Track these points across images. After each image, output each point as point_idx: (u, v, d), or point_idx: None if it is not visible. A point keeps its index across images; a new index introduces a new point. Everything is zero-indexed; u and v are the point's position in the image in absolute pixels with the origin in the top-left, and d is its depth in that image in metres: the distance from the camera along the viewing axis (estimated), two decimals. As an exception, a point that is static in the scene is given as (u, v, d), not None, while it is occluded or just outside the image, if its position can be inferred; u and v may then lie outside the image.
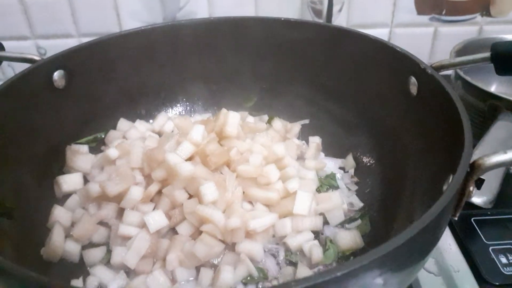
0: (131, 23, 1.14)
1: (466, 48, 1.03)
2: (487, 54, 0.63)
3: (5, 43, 0.83)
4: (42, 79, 0.72)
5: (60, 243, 0.64)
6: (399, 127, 0.71)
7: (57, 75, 0.74)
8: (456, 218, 0.50)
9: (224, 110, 0.77)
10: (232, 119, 0.74)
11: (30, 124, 0.70)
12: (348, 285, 0.38)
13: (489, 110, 0.87)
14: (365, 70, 0.76)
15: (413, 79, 0.67)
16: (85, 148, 0.79)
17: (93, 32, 1.14)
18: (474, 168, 0.47)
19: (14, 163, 0.66)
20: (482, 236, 0.75)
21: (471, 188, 0.48)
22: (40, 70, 0.71)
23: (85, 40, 1.11)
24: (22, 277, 0.38)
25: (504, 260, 0.70)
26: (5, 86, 0.65)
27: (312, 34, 0.83)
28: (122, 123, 0.85)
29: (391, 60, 0.71)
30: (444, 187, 0.50)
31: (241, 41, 0.87)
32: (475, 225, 0.77)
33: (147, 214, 0.63)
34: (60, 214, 0.68)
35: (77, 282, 0.61)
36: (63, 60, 0.75)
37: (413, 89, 0.67)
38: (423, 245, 0.46)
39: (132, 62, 0.83)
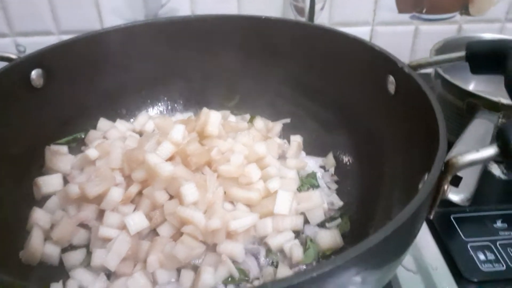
0: (112, 20, 1.13)
1: (445, 47, 1.04)
2: (462, 53, 0.64)
3: None
4: (19, 78, 0.71)
5: (39, 246, 0.64)
6: (377, 126, 0.72)
7: (34, 74, 0.72)
8: (431, 217, 0.51)
9: (205, 110, 0.77)
10: (214, 119, 0.73)
11: (7, 124, 0.69)
12: (326, 285, 0.38)
13: (467, 108, 0.88)
14: (345, 69, 0.77)
15: (391, 78, 0.67)
16: (64, 148, 0.78)
17: (74, 29, 1.13)
18: (448, 167, 0.48)
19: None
20: (461, 233, 0.76)
21: (445, 187, 0.49)
22: (17, 68, 0.70)
23: (66, 37, 1.10)
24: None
25: (482, 257, 0.72)
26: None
27: (293, 32, 0.83)
28: (102, 123, 0.84)
29: (370, 59, 0.72)
30: (420, 186, 0.51)
31: (222, 39, 0.87)
32: (454, 223, 0.78)
33: (127, 216, 0.63)
34: (39, 216, 0.67)
35: (56, 285, 0.61)
36: (40, 58, 0.73)
37: (391, 88, 0.68)
38: (399, 243, 0.47)
39: (112, 60, 0.82)
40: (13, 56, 0.71)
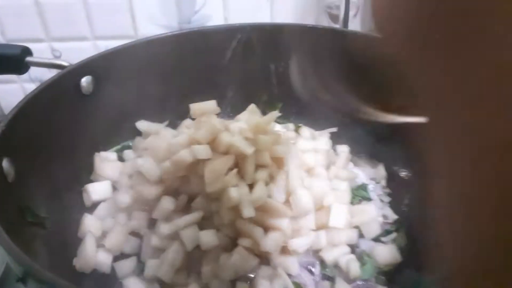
0: (146, 26, 1.13)
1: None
2: None
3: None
4: (70, 85, 0.71)
5: (93, 253, 0.63)
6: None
7: (84, 81, 0.73)
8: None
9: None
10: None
11: (60, 132, 0.69)
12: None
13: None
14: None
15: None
16: (113, 155, 0.78)
17: (108, 35, 1.13)
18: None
19: (45, 171, 0.65)
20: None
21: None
22: (68, 76, 0.70)
23: (100, 43, 1.13)
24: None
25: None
26: (37, 92, 0.64)
27: (334, 40, 0.83)
28: (142, 124, 0.83)
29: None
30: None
31: (265, 47, 0.86)
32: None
33: (183, 231, 0.62)
34: (91, 223, 0.67)
35: (110, 294, 0.60)
36: (90, 65, 0.74)
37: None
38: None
39: (158, 68, 0.82)
40: (65, 64, 0.71)
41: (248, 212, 0.60)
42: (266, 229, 0.62)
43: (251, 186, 0.63)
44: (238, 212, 0.61)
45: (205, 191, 0.61)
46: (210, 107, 0.71)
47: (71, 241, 0.66)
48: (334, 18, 1.12)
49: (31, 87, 1.16)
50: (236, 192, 0.60)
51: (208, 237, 0.61)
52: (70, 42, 1.15)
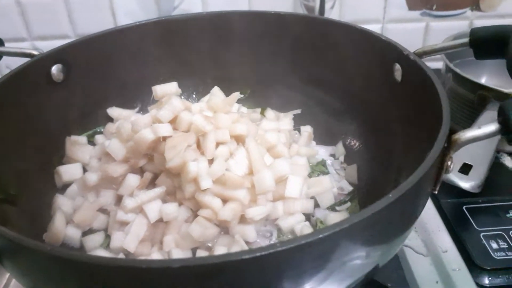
0: (126, 23, 1.16)
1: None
2: (466, 39, 0.65)
3: None
4: (41, 73, 0.74)
5: (62, 229, 0.67)
6: (385, 112, 0.73)
7: (55, 69, 0.76)
8: (436, 192, 0.52)
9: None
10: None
11: (31, 117, 0.72)
12: (329, 251, 0.40)
13: (478, 100, 0.89)
14: (353, 59, 0.79)
15: (397, 66, 0.69)
16: (84, 139, 0.81)
17: (90, 32, 1.14)
18: (451, 142, 0.49)
19: (16, 153, 0.68)
20: (473, 223, 0.78)
21: (449, 163, 0.50)
22: (39, 64, 0.73)
23: None
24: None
25: (495, 245, 0.73)
26: (6, 79, 0.67)
27: (302, 26, 0.86)
28: (114, 111, 0.87)
29: (377, 49, 0.73)
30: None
31: (232, 34, 0.89)
32: (467, 213, 0.80)
33: (147, 205, 0.65)
34: (62, 202, 0.70)
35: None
36: (60, 54, 0.77)
37: (398, 76, 0.69)
38: (404, 214, 0.48)
39: (128, 56, 0.85)
40: (35, 52, 0.75)
41: (205, 183, 0.63)
42: (225, 200, 0.65)
43: (211, 162, 0.67)
44: (198, 184, 0.64)
45: (166, 166, 0.65)
46: (171, 88, 0.75)
47: (41, 219, 0.69)
48: (310, 9, 1.15)
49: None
50: (195, 166, 0.64)
51: (170, 209, 0.65)
52: (51, 40, 1.18)
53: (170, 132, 0.66)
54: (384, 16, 1.22)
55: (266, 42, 0.89)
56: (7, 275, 0.69)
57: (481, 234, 0.75)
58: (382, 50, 0.72)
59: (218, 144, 0.68)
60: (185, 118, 0.67)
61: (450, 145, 0.49)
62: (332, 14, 1.16)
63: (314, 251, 0.39)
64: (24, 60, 0.74)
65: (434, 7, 1.22)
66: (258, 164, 0.66)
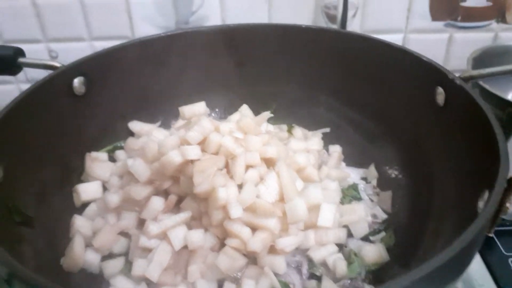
0: (143, 27, 1.13)
1: (483, 56, 1.02)
2: (515, 66, 0.62)
3: (18, 46, 0.81)
4: (63, 86, 0.72)
5: (81, 253, 0.64)
6: (425, 138, 0.70)
7: (77, 81, 0.73)
8: (491, 235, 0.49)
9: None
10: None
11: (51, 131, 0.70)
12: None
13: (507, 118, 0.86)
14: (389, 79, 0.75)
15: (440, 89, 0.66)
16: (104, 156, 0.78)
17: (105, 35, 1.14)
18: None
19: (35, 171, 0.65)
20: (501, 247, 0.75)
21: (507, 204, 0.47)
22: (61, 76, 0.71)
23: (97, 43, 1.13)
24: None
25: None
26: (28, 92, 0.65)
27: (332, 41, 0.82)
28: (136, 125, 0.84)
29: (416, 70, 0.70)
30: (480, 203, 0.49)
31: (259, 48, 0.86)
32: (494, 237, 0.76)
33: (171, 231, 0.62)
34: (80, 223, 0.67)
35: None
36: (82, 66, 0.74)
37: (440, 100, 0.66)
38: (459, 265, 0.45)
39: (151, 69, 0.83)
40: (57, 64, 0.72)
41: (235, 212, 0.60)
42: (254, 228, 0.62)
43: (240, 186, 0.64)
44: (226, 212, 0.61)
45: (194, 191, 0.62)
46: (200, 109, 0.71)
47: (58, 241, 0.66)
48: (331, 18, 1.12)
49: (27, 87, 1.18)
50: (224, 193, 0.60)
51: (196, 237, 0.62)
52: (67, 43, 1.15)
53: (199, 155, 0.63)
54: (407, 26, 1.18)
55: (293, 56, 0.85)
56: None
57: (510, 260, 0.72)
58: (423, 72, 0.68)
59: (247, 167, 0.65)
60: (215, 140, 0.64)
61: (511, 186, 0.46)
62: (353, 23, 1.13)
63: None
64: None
65: (459, 18, 1.18)
66: (290, 191, 0.63)
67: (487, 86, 0.88)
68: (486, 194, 0.48)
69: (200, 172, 0.61)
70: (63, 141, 0.72)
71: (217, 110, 0.91)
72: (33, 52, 1.11)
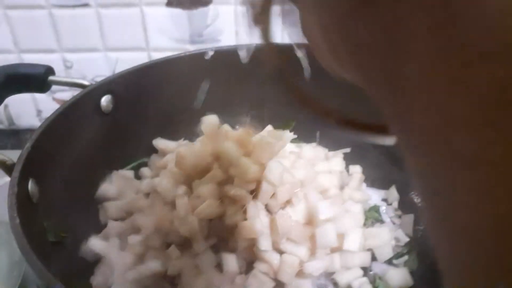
0: (158, 39, 1.14)
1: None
2: None
3: (33, 56, 0.82)
4: (91, 104, 0.73)
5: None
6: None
7: (104, 100, 0.74)
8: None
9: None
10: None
11: (80, 149, 0.70)
12: None
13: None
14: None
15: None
16: (130, 173, 0.79)
17: (120, 46, 1.15)
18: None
19: (66, 190, 0.66)
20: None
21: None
22: (90, 95, 0.72)
23: (111, 54, 1.14)
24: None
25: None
26: (61, 111, 0.66)
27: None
28: (160, 142, 0.85)
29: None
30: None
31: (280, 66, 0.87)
32: None
33: (198, 257, 0.63)
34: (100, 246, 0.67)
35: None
36: (110, 85, 0.75)
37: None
38: None
39: (175, 87, 0.83)
40: (86, 83, 0.73)
41: (265, 244, 0.61)
42: (282, 251, 0.63)
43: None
44: (254, 240, 0.62)
45: (225, 222, 0.63)
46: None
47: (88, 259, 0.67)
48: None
49: (40, 96, 1.18)
50: (260, 225, 0.61)
51: (231, 262, 0.63)
52: (82, 53, 1.16)
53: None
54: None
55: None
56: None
57: None
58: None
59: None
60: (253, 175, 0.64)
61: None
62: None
63: None
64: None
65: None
66: (318, 212, 0.64)
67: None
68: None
69: (232, 203, 0.62)
70: (91, 159, 0.73)
71: (237, 127, 0.92)
72: (48, 62, 1.11)
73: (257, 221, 0.61)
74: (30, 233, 0.50)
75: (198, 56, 0.84)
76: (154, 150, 0.84)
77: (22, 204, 0.53)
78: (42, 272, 0.46)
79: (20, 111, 1.23)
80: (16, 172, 0.54)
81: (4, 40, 1.12)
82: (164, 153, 0.81)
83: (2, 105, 1.21)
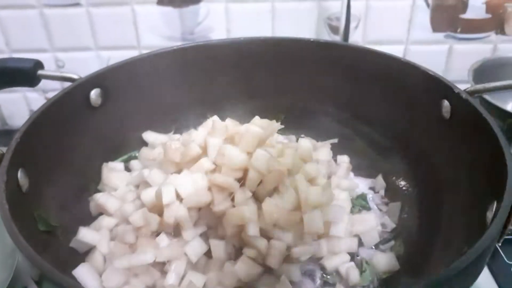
0: (149, 37, 1.15)
1: (483, 67, 1.05)
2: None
3: (24, 55, 0.82)
4: (81, 98, 0.74)
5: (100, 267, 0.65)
6: (432, 150, 0.72)
7: (94, 93, 0.75)
8: (499, 244, 0.51)
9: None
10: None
11: (70, 142, 0.72)
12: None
13: (508, 128, 0.88)
14: (395, 92, 0.78)
15: (446, 103, 0.68)
16: (120, 166, 0.80)
17: (111, 45, 1.16)
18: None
19: (56, 181, 0.67)
20: (503, 256, 0.77)
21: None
22: (79, 88, 0.73)
23: (103, 53, 1.15)
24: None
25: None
26: (49, 104, 0.67)
27: (339, 54, 0.85)
28: (149, 135, 0.86)
29: (422, 83, 0.72)
30: (488, 214, 0.51)
31: (267, 61, 0.89)
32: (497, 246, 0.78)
33: (187, 245, 0.64)
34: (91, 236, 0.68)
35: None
36: (99, 78, 0.76)
37: (446, 113, 0.68)
38: (469, 276, 0.47)
39: (164, 81, 0.85)
40: (75, 77, 0.74)
41: (253, 230, 0.61)
42: (270, 237, 0.64)
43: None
44: (243, 227, 0.62)
45: (212, 209, 0.64)
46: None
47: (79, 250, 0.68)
48: (334, 30, 1.14)
49: (32, 96, 1.20)
50: (248, 212, 0.61)
51: (218, 248, 0.64)
52: (73, 52, 1.17)
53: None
54: (408, 37, 1.21)
55: (301, 69, 0.88)
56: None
57: (512, 268, 0.74)
58: (429, 85, 0.71)
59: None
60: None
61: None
62: (355, 34, 1.15)
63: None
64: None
65: (459, 30, 1.21)
66: (309, 202, 0.64)
67: (488, 97, 0.91)
68: (494, 205, 0.50)
69: (220, 191, 0.63)
70: (81, 151, 0.74)
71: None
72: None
73: (244, 208, 0.62)
74: (20, 220, 0.51)
75: (186, 50, 0.85)
76: (144, 143, 0.85)
77: (12, 192, 0.54)
78: (33, 258, 0.46)
79: (13, 111, 1.24)
80: (5, 161, 0.55)
81: (-4, 40, 1.13)
82: (153, 146, 0.82)
83: (-6, 105, 1.24)
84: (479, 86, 0.66)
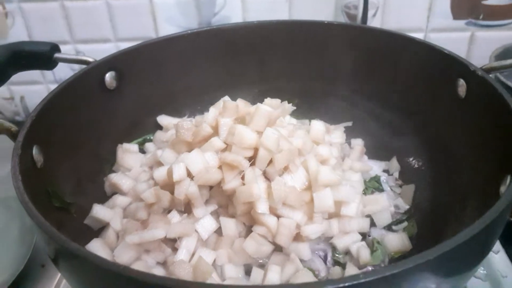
0: (167, 28, 1.16)
1: (505, 53, 1.02)
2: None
3: None
4: (95, 80, 0.75)
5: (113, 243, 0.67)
6: (447, 129, 0.71)
7: (108, 76, 0.77)
8: (512, 219, 0.50)
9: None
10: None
11: (86, 123, 0.73)
12: (407, 282, 0.38)
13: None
14: (410, 72, 0.77)
15: (461, 81, 0.67)
16: (135, 147, 0.81)
17: (130, 37, 1.17)
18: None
19: (71, 160, 0.69)
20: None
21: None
22: (94, 71, 0.74)
23: (122, 44, 1.17)
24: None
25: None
26: (65, 85, 0.68)
27: (354, 36, 0.84)
28: (163, 119, 0.87)
29: (437, 62, 0.71)
30: (502, 189, 0.50)
31: (281, 44, 0.88)
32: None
33: (198, 223, 0.64)
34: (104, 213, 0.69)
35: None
36: (114, 61, 0.78)
37: (462, 92, 0.67)
38: (480, 247, 0.46)
39: (178, 65, 0.86)
40: (90, 59, 0.75)
41: (263, 207, 0.62)
42: (280, 216, 0.64)
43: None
44: (253, 204, 0.63)
45: (223, 188, 0.64)
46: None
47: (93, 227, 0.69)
48: (352, 18, 1.13)
49: (56, 87, 1.23)
50: (257, 189, 0.62)
51: (229, 226, 0.64)
52: (93, 44, 1.19)
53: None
54: (428, 25, 1.19)
55: (315, 52, 0.87)
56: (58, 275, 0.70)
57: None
58: (444, 64, 0.69)
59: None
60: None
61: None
62: (373, 22, 1.14)
63: (395, 281, 0.37)
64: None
65: (481, 17, 1.18)
66: (320, 181, 0.64)
67: (510, 83, 0.89)
68: (508, 179, 0.49)
69: (230, 169, 0.63)
70: (96, 132, 0.75)
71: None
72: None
73: (254, 186, 0.62)
74: (34, 194, 0.52)
75: (200, 34, 0.86)
76: (159, 127, 0.86)
77: (26, 166, 0.55)
78: (47, 229, 0.46)
79: (36, 103, 1.27)
80: (20, 137, 0.57)
81: (19, 32, 1.16)
82: (168, 129, 0.83)
83: (18, 97, 1.27)
84: (495, 63, 0.65)
